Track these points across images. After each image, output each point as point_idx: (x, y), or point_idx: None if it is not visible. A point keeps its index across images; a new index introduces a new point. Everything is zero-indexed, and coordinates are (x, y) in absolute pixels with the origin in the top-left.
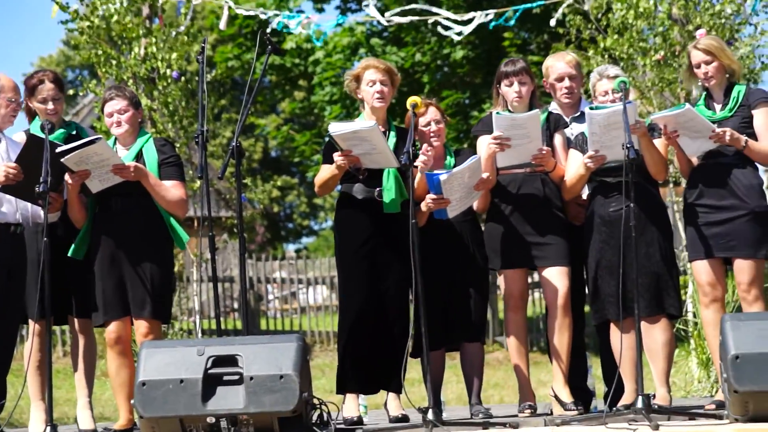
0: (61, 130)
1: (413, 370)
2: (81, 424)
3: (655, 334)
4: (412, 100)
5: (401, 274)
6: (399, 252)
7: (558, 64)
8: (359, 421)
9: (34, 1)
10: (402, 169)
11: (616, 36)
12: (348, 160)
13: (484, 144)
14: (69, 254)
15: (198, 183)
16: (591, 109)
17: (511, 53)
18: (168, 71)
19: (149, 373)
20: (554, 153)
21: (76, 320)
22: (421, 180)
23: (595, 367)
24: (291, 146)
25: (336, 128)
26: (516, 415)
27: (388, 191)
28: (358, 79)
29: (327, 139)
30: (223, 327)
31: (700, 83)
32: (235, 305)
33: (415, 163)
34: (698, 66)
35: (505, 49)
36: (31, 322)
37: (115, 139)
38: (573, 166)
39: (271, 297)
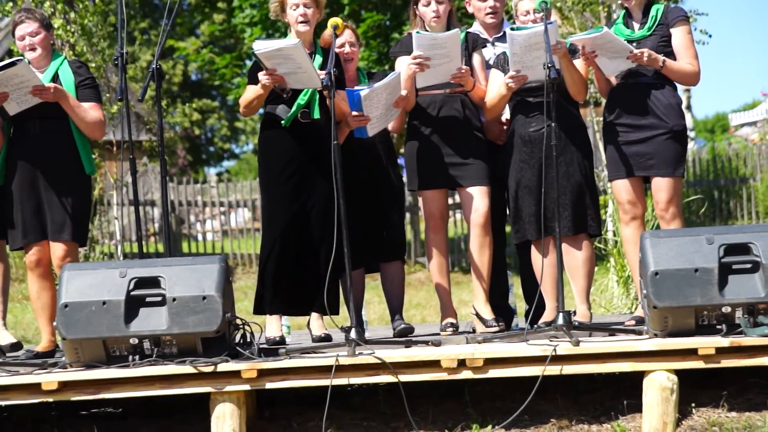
0: None
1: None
2: (1, 341)
3: (576, 252)
4: (334, 21)
5: (325, 194)
6: (322, 172)
7: None
8: (281, 341)
9: None
10: (322, 90)
11: None
12: (272, 79)
13: (404, 65)
14: None
15: (116, 106)
16: (512, 29)
17: None
18: None
19: (71, 295)
20: (473, 73)
21: None
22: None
23: (516, 285)
24: (211, 69)
25: (260, 46)
26: (438, 334)
27: (313, 107)
28: (283, 4)
29: (253, 60)
30: (144, 250)
31: (619, 2)
32: (157, 228)
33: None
34: None
35: None
36: None
37: (29, 62)
38: (494, 86)
39: (193, 220)
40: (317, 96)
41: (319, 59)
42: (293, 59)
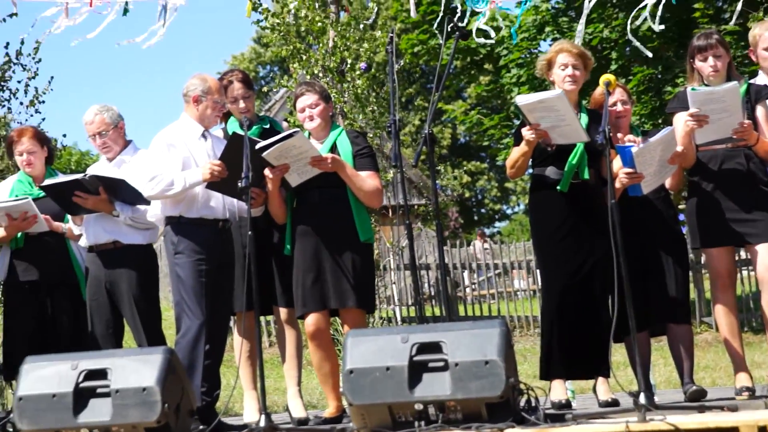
0: (256, 126)
1: (617, 353)
2: (293, 412)
3: None
4: (606, 78)
5: (602, 254)
6: (597, 232)
7: (766, 33)
8: (567, 405)
9: (225, 3)
10: (598, 149)
11: None
12: (536, 134)
13: (681, 121)
14: (285, 252)
15: (391, 173)
16: None
17: (702, 24)
18: (357, 63)
19: (356, 361)
20: (757, 126)
21: (282, 310)
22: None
23: None
24: (479, 131)
25: (523, 99)
26: (733, 398)
27: (583, 167)
28: (550, 63)
29: (520, 121)
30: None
31: None
32: (431, 292)
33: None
34: None
35: (696, 20)
36: (239, 314)
37: (309, 133)
38: None
39: (467, 282)
40: (586, 157)
41: (584, 119)
42: (557, 111)
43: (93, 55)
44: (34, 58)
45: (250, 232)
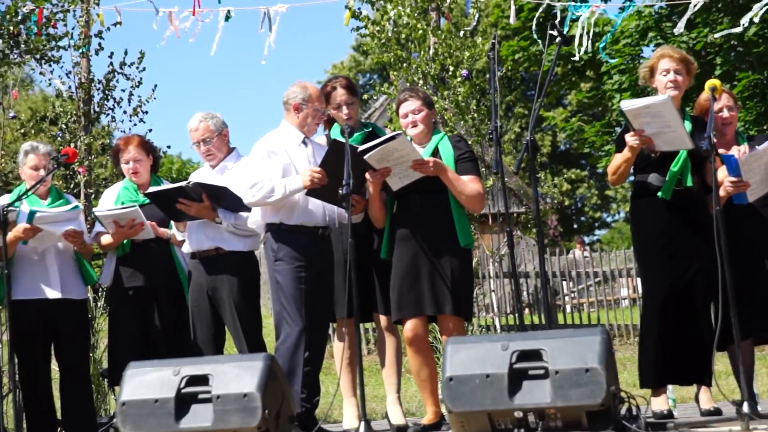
0: (358, 132)
1: (719, 362)
2: (392, 419)
3: None
4: (711, 83)
5: (704, 262)
6: (700, 240)
7: None
8: (669, 415)
9: (325, 12)
10: (703, 155)
11: None
12: (640, 140)
13: None
14: (381, 256)
15: (491, 180)
16: None
17: None
18: (458, 70)
19: (456, 368)
20: None
21: (382, 317)
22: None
23: None
24: (580, 138)
25: (628, 104)
26: None
27: (686, 174)
28: (652, 70)
29: (623, 126)
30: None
31: None
32: (530, 300)
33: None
34: None
35: None
36: (339, 321)
37: (411, 139)
38: None
39: (566, 290)
40: (690, 163)
41: (688, 126)
42: (662, 117)
43: (195, 64)
44: (138, 67)
45: (350, 240)
